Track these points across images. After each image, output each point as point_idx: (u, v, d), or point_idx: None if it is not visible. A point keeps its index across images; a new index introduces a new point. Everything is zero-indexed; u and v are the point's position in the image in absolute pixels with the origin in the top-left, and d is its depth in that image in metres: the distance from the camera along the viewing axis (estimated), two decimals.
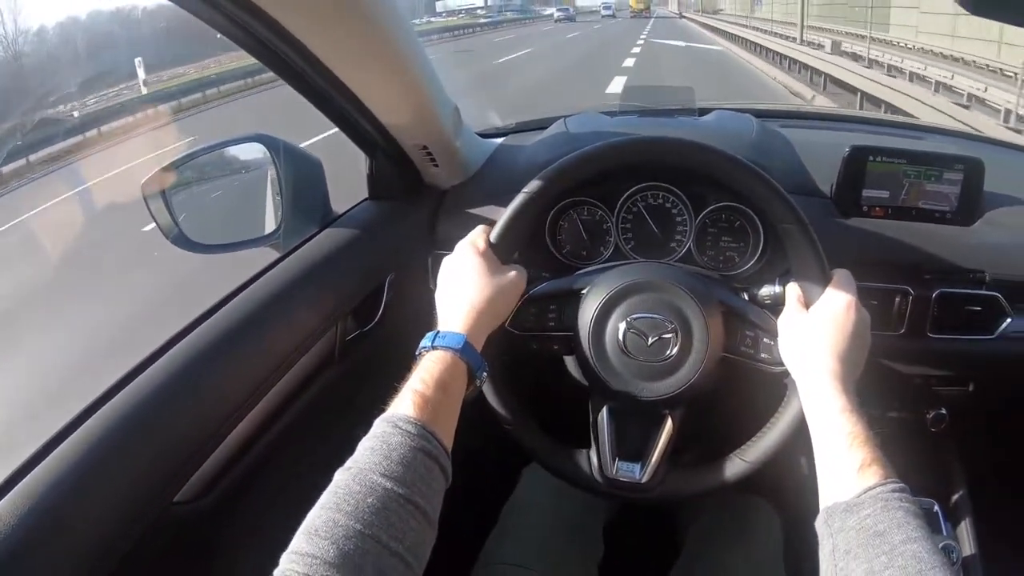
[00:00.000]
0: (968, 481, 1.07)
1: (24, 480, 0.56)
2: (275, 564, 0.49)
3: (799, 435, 0.73)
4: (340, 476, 0.54)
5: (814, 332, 0.71)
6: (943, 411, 1.06)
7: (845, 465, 0.59)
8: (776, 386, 0.77)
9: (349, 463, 0.55)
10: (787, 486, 1.01)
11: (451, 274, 0.75)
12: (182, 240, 0.94)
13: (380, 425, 0.58)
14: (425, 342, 0.67)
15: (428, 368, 0.64)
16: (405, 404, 0.60)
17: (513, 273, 0.77)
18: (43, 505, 0.55)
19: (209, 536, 0.80)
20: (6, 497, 0.55)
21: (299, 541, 0.49)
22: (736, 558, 0.90)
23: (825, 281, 0.74)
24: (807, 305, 0.74)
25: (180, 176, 0.94)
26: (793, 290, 0.77)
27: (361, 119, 0.88)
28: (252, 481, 0.84)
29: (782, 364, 0.74)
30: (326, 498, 0.52)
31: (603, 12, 45.43)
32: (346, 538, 0.48)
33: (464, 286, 0.73)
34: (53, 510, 0.55)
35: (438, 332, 0.67)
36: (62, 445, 0.59)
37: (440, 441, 0.59)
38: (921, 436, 1.06)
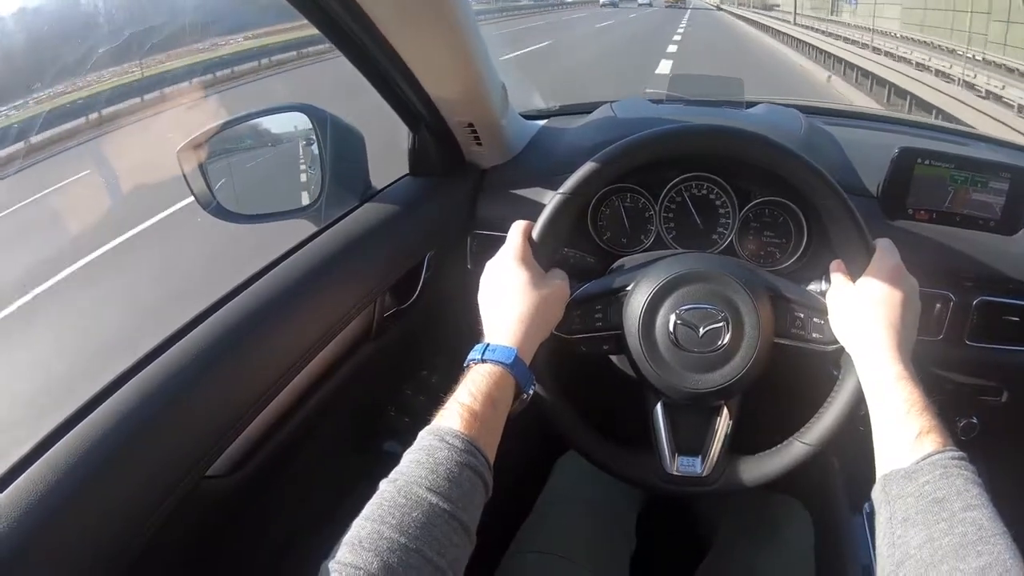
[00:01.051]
0: (994, 491, 1.07)
1: (55, 447, 0.55)
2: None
3: (856, 413, 0.72)
4: (385, 487, 0.53)
5: (864, 303, 0.70)
6: (974, 420, 1.05)
7: (903, 433, 0.58)
8: (830, 366, 0.76)
9: (395, 474, 0.54)
10: (818, 485, 1.00)
11: (496, 283, 0.73)
12: (218, 209, 0.92)
13: (426, 438, 0.57)
14: (474, 354, 0.65)
15: (476, 382, 0.62)
16: (452, 418, 0.58)
17: (558, 281, 0.75)
18: (75, 474, 0.53)
19: (241, 510, 0.79)
20: (38, 462, 0.53)
21: (343, 551, 0.48)
22: (766, 556, 0.90)
23: (869, 253, 0.73)
24: (854, 278, 0.73)
25: (219, 143, 0.93)
26: (838, 265, 0.76)
27: (410, 91, 0.87)
28: (285, 456, 0.82)
29: (834, 342, 0.73)
30: (371, 509, 0.51)
31: (640, 1, 44.56)
32: (390, 551, 0.48)
33: (511, 297, 0.71)
34: (86, 480, 0.54)
35: (488, 345, 0.66)
36: (92, 414, 0.58)
37: (485, 456, 0.58)
38: None
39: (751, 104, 1.14)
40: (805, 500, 0.99)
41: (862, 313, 0.69)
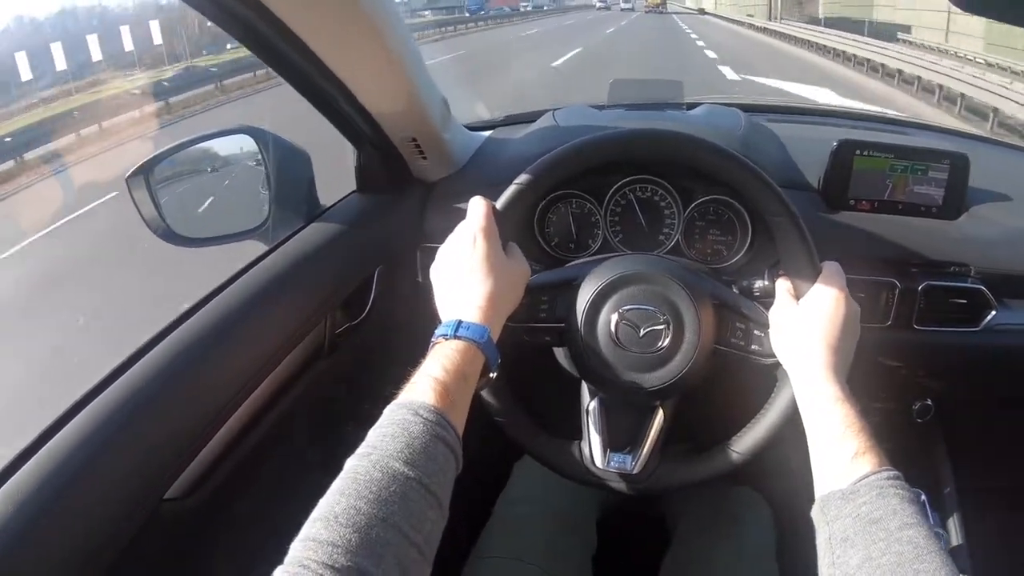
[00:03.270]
0: (954, 471, 1.09)
1: (12, 478, 0.55)
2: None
3: (789, 425, 0.74)
4: (358, 462, 0.52)
5: (806, 323, 0.71)
6: (929, 402, 1.07)
7: (839, 453, 0.59)
8: (766, 378, 0.78)
9: (366, 449, 0.53)
10: (778, 478, 1.02)
11: (461, 260, 0.70)
12: (167, 233, 0.92)
13: (398, 411, 0.56)
14: (445, 330, 0.64)
15: (449, 356, 0.61)
16: (424, 391, 0.57)
17: (521, 261, 0.75)
18: (32, 503, 0.54)
19: (200, 533, 0.80)
20: None
21: (316, 528, 0.46)
22: (728, 549, 0.91)
23: (815, 273, 0.75)
24: (798, 297, 0.75)
25: (166, 168, 0.93)
26: (784, 282, 0.77)
27: (350, 109, 0.87)
28: (243, 477, 0.83)
29: (773, 356, 0.74)
30: (343, 484, 0.50)
31: (623, 5, 44.87)
32: (368, 526, 0.47)
33: (478, 274, 0.68)
34: (42, 508, 0.54)
35: (460, 322, 0.64)
36: (49, 443, 0.58)
37: (456, 431, 0.57)
38: (907, 427, 1.07)
39: (692, 106, 1.16)
40: (766, 493, 1.00)
41: (803, 332, 0.70)
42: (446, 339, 0.63)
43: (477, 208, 0.73)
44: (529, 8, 38.07)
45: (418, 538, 0.49)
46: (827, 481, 0.59)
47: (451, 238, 0.73)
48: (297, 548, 0.46)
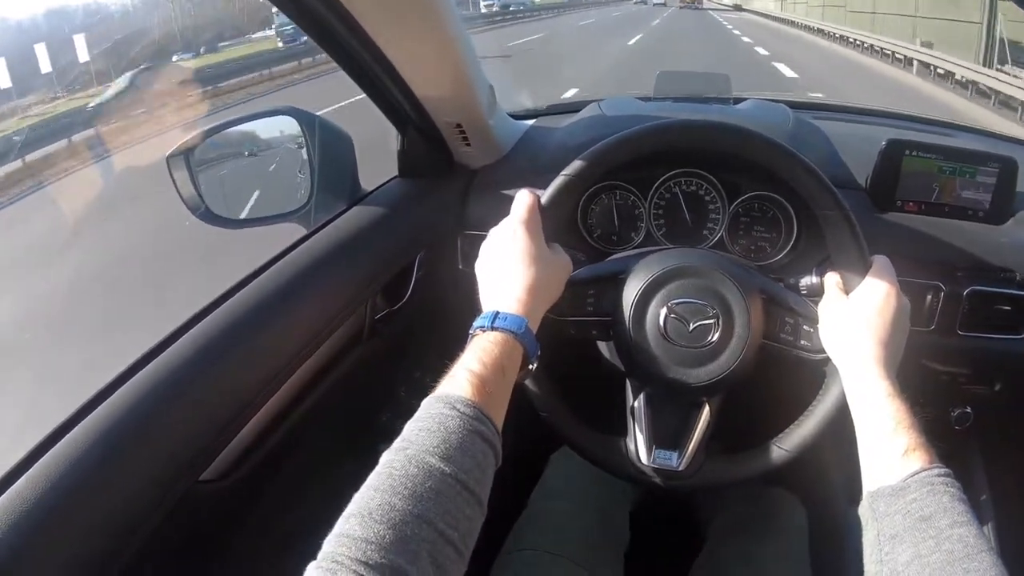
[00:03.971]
0: (990, 480, 1.07)
1: (50, 451, 0.55)
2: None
3: (836, 424, 0.72)
4: (393, 456, 0.50)
5: (856, 318, 0.70)
6: (968, 410, 1.05)
7: (890, 450, 0.58)
8: (814, 374, 0.76)
9: (401, 443, 0.52)
10: (814, 479, 1.00)
11: (503, 250, 0.70)
12: (207, 215, 0.92)
13: (435, 405, 0.55)
14: (483, 321, 0.63)
15: (487, 349, 0.60)
16: (461, 385, 0.56)
17: (563, 255, 0.75)
18: (69, 479, 0.54)
19: (235, 514, 0.79)
20: (33, 468, 0.53)
21: (350, 524, 0.45)
22: (761, 550, 0.90)
23: (865, 268, 0.73)
24: (847, 291, 0.74)
25: (208, 149, 0.93)
26: (833, 277, 0.76)
27: (396, 92, 0.87)
28: (279, 461, 0.82)
29: (822, 351, 0.73)
30: (378, 480, 0.49)
31: (654, 1, 42.72)
32: (403, 523, 0.46)
33: (519, 265, 0.68)
34: (79, 485, 0.54)
35: (498, 313, 0.64)
36: (85, 420, 0.58)
37: (495, 425, 0.56)
38: (945, 434, 1.05)
39: (738, 100, 1.14)
40: (801, 495, 0.99)
41: (853, 327, 0.69)
42: (484, 331, 0.63)
43: (522, 200, 0.73)
44: (495, 7, 28.46)
45: (454, 535, 0.48)
46: (877, 477, 0.58)
47: (493, 231, 0.73)
48: (331, 544, 0.45)
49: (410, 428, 0.53)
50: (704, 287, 0.75)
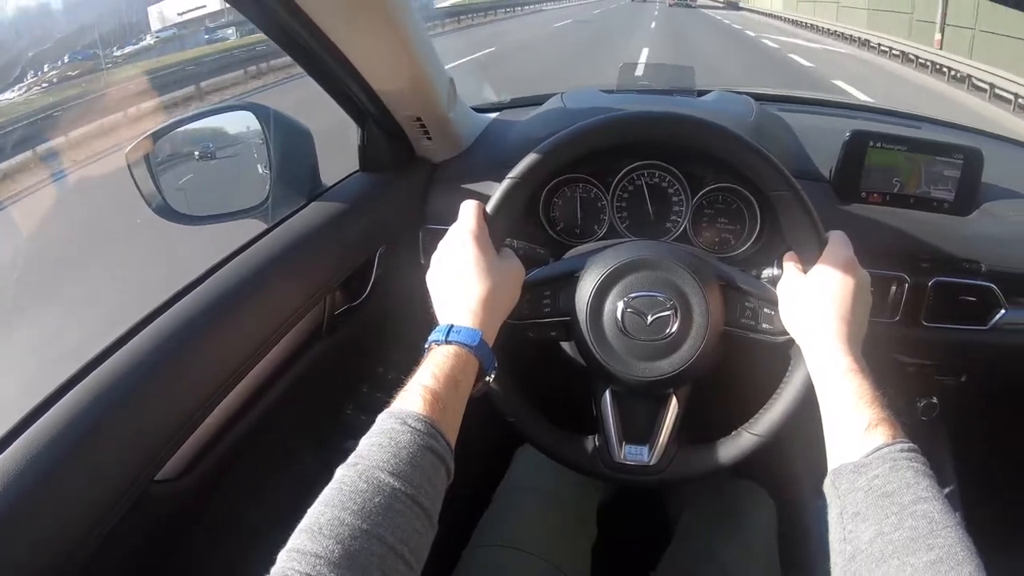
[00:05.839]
0: (957, 470, 1.08)
1: (2, 454, 0.54)
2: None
3: (806, 405, 0.71)
4: (344, 472, 0.51)
5: (815, 295, 0.69)
6: (934, 400, 1.06)
7: (852, 425, 0.57)
8: (780, 357, 0.76)
9: (354, 459, 0.52)
10: (781, 471, 1.00)
11: (451, 264, 0.70)
12: (166, 210, 0.91)
13: (387, 420, 0.55)
14: (437, 335, 0.63)
15: (440, 363, 0.60)
16: (414, 400, 0.56)
17: (514, 261, 0.74)
18: (21, 483, 0.53)
19: (194, 513, 0.79)
20: None
21: (301, 538, 0.46)
22: (729, 542, 0.90)
23: (821, 245, 0.73)
24: (805, 270, 0.73)
25: (166, 144, 0.91)
26: (791, 256, 0.75)
27: (354, 87, 0.86)
28: (236, 459, 0.82)
29: (784, 333, 0.73)
30: (330, 495, 0.49)
31: None
32: (352, 538, 0.46)
33: (470, 277, 0.68)
34: (31, 488, 0.53)
35: (452, 326, 0.64)
36: (39, 421, 0.57)
37: (447, 440, 0.56)
38: (912, 424, 1.06)
39: (703, 92, 1.14)
40: (768, 486, 0.99)
41: (813, 305, 0.69)
42: (438, 344, 0.63)
43: (466, 212, 0.73)
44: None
45: (404, 549, 0.48)
46: (839, 454, 0.57)
47: (441, 244, 0.73)
48: (283, 559, 0.45)
49: (364, 443, 0.54)
50: (659, 279, 0.75)
